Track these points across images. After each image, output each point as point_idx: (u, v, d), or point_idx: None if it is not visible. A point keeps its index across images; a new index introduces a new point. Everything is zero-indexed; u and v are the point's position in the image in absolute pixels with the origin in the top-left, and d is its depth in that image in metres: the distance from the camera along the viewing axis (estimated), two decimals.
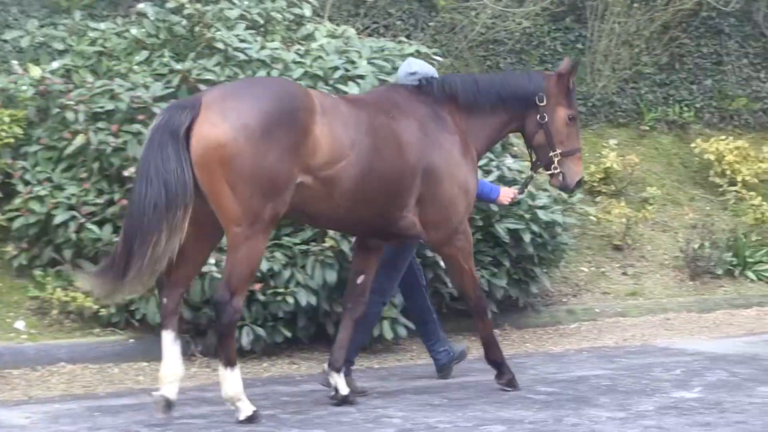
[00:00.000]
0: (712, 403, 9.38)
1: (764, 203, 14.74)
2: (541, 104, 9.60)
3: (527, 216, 11.82)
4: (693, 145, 15.59)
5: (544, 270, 12.38)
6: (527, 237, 11.79)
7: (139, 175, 8.47)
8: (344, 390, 9.35)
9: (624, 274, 13.80)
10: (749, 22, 16.82)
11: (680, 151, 15.32)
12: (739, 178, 15.01)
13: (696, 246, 14.04)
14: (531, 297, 12.46)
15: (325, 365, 9.47)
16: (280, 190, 8.37)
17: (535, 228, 11.85)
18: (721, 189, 15.10)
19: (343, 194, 8.72)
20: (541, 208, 11.93)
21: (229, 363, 8.51)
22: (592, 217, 13.86)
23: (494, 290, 11.85)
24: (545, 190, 12.22)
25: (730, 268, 14.06)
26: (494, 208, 11.48)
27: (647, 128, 15.82)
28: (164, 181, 8.21)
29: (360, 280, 9.48)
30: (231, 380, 8.52)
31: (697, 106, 16.33)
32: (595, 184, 14.53)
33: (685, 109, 16.16)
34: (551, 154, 9.66)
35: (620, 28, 15.48)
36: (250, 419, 8.51)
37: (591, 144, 15.08)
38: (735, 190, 14.96)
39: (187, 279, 8.86)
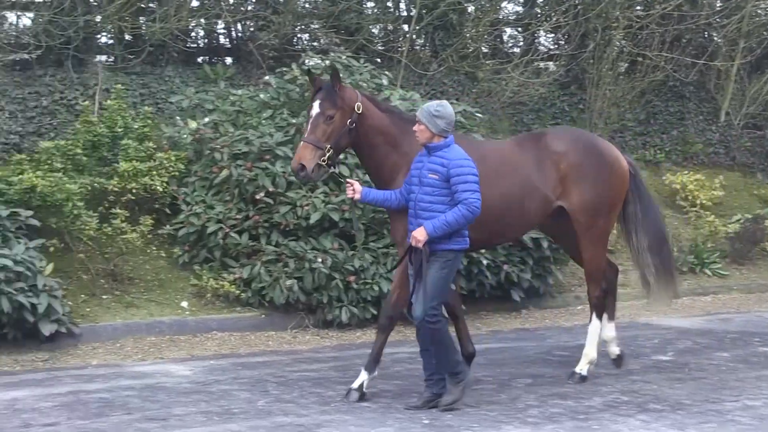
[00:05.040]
0: (680, 363, 9.39)
1: (716, 220, 14.51)
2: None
3: None
4: (664, 177, 15.40)
5: (558, 267, 12.29)
6: (545, 243, 11.78)
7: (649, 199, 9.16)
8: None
9: None
10: (704, 89, 16.65)
11: (655, 182, 15.06)
12: (697, 202, 14.82)
13: None
14: (548, 286, 12.32)
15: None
16: None
17: (550, 237, 11.52)
18: (685, 209, 14.89)
19: None
20: None
21: None
22: None
23: (521, 281, 11.80)
24: None
25: (692, 266, 13.94)
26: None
27: None
28: None
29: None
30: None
31: (667, 149, 16.03)
32: None
33: (658, 151, 15.97)
34: None
35: (610, 93, 15.31)
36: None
37: None
38: (695, 211, 14.75)
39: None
